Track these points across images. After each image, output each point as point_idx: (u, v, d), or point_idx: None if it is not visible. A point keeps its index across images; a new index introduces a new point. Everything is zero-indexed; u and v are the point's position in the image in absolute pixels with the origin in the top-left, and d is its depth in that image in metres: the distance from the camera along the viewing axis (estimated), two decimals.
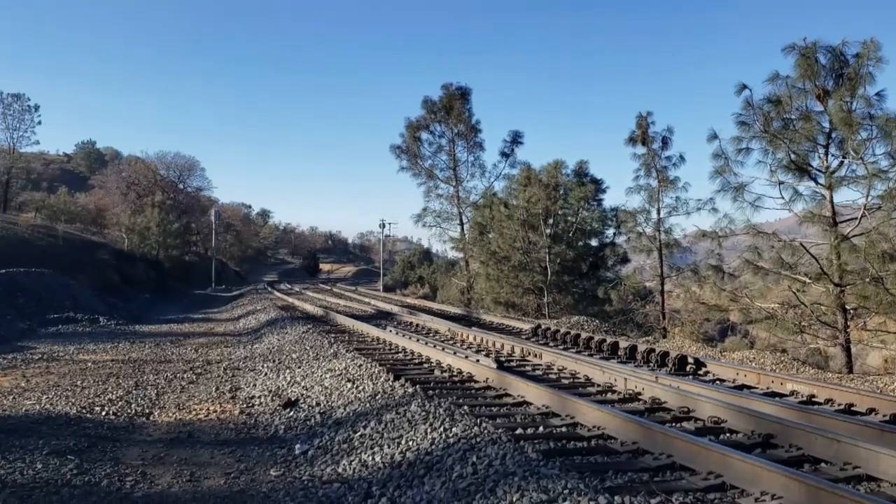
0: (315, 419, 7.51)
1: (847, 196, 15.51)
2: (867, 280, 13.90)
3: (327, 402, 8.12)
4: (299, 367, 10.63)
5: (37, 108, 57.68)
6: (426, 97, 40.17)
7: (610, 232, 31.32)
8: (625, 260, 30.35)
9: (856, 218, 14.88)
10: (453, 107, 39.39)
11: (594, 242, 31.91)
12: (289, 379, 9.93)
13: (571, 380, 9.08)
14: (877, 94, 14.45)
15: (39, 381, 10.66)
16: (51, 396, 9.24)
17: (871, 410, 7.00)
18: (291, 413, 8.03)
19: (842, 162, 15.13)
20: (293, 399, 8.60)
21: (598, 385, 8.54)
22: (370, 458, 5.81)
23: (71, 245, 41.77)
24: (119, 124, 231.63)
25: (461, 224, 40.11)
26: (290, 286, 49.59)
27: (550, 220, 29.60)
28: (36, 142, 63.63)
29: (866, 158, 14.47)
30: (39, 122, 58.44)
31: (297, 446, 6.66)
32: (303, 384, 9.38)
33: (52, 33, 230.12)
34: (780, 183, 15.76)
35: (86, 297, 25.47)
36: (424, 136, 40.92)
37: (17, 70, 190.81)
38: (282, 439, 7.10)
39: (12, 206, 55.16)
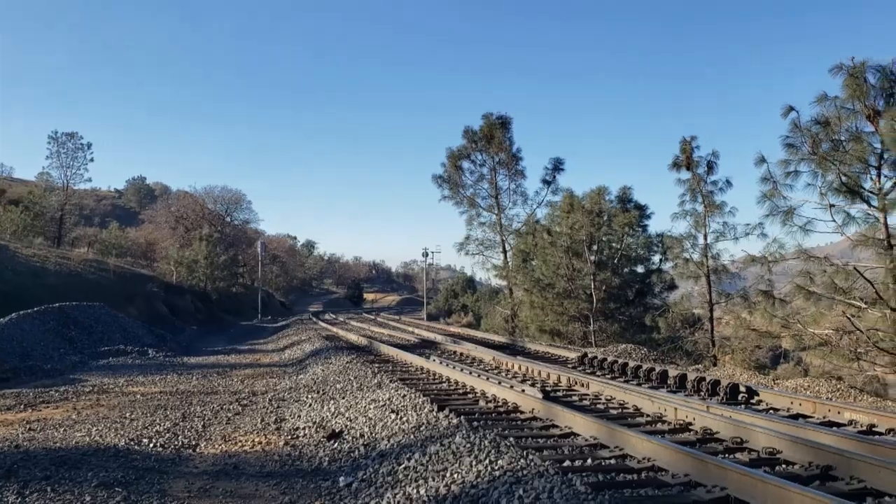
0: (359, 451, 7.45)
1: None
2: None
3: (371, 433, 8.06)
4: (343, 398, 10.61)
5: (89, 145, 59.40)
6: (467, 127, 40.52)
7: (656, 258, 30.94)
8: (672, 286, 29.91)
9: None
10: (494, 136, 39.52)
11: (640, 269, 31.54)
12: (333, 410, 9.91)
13: (620, 410, 8.89)
14: None
15: (90, 413, 10.82)
16: (100, 428, 9.35)
17: None
18: (335, 444, 7.99)
19: (895, 184, 14.72)
20: (337, 430, 8.56)
21: (648, 415, 8.34)
22: (414, 491, 5.72)
23: (121, 278, 42.75)
24: (168, 159, 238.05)
25: (504, 252, 40.02)
26: (334, 316, 49.92)
27: (594, 247, 29.35)
28: (88, 179, 65.53)
29: None
30: (92, 160, 59.99)
31: (342, 479, 6.61)
32: (347, 415, 9.34)
33: (101, 72, 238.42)
34: (831, 206, 15.39)
35: (135, 329, 25.94)
36: (465, 165, 41.18)
37: (69, 107, 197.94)
38: (326, 471, 7.06)
39: (66, 242, 56.72)
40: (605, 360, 13.58)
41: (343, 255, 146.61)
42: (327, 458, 7.51)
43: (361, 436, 8.09)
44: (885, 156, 14.56)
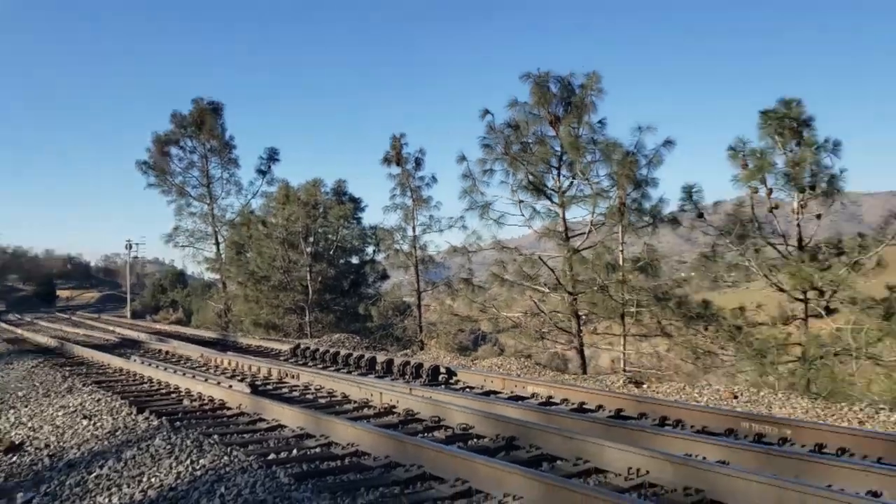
0: (43, 463, 6.75)
1: (577, 213, 17.14)
2: (595, 288, 15.40)
3: (59, 442, 7.34)
4: (26, 406, 9.53)
5: None
6: (175, 111, 38.08)
7: (370, 249, 31.89)
8: (385, 276, 31.04)
9: (584, 233, 16.45)
10: (205, 121, 37.69)
11: (355, 260, 32.31)
12: (13, 420, 8.85)
13: (329, 398, 9.04)
14: (599, 121, 16.16)
15: None
16: None
17: (600, 407, 7.73)
18: (14, 458, 7.14)
19: (572, 182, 16.68)
20: (17, 443, 7.67)
21: (355, 402, 8.58)
22: (106, 500, 5.32)
23: None
24: None
25: (217, 244, 38.44)
26: (19, 316, 44.59)
27: (311, 239, 29.44)
28: None
29: (592, 179, 16.07)
30: None
31: (20, 495, 5.94)
32: (30, 425, 8.40)
33: None
34: (521, 201, 17.03)
35: None
36: (174, 151, 38.69)
37: None
38: (1, 489, 6.29)
39: None
40: (317, 350, 13.71)
41: (32, 248, 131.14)
42: (3, 475, 6.71)
43: (47, 446, 7.33)
44: (564, 158, 16.44)
